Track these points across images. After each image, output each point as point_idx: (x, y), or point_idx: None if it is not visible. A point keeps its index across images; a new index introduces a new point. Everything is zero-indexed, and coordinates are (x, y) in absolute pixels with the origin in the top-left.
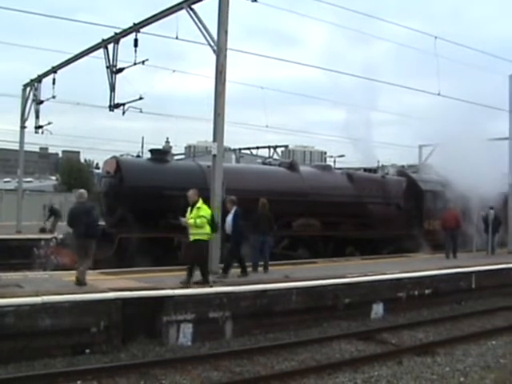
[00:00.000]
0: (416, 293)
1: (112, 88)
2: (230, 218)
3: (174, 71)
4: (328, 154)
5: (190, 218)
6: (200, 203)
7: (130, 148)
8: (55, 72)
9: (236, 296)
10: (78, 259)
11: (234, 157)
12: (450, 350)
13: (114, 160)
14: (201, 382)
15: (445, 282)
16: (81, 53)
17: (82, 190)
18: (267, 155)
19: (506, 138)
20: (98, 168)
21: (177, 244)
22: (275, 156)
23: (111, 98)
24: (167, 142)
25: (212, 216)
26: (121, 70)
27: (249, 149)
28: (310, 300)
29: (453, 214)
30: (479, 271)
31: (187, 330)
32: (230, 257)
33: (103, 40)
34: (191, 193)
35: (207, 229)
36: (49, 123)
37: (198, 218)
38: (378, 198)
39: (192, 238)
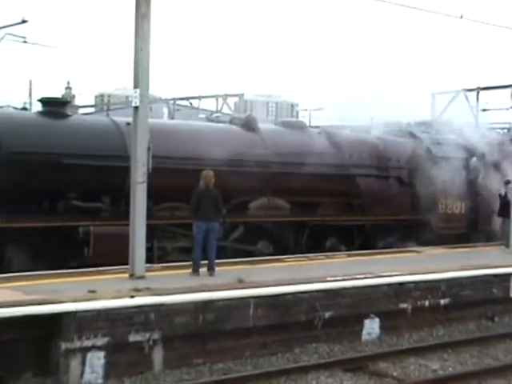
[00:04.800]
0: (426, 303)
1: None
2: None
3: None
4: (300, 106)
5: None
6: None
7: (12, 97)
8: None
9: (168, 309)
10: None
11: (166, 110)
12: None
13: None
14: None
15: (470, 289)
16: None
17: None
18: (214, 108)
19: None
20: None
21: (83, 235)
22: (225, 109)
23: None
24: (68, 88)
25: None
26: None
27: (187, 99)
28: (275, 314)
29: None
30: None
31: (97, 361)
32: None
33: None
34: None
35: None
36: None
37: None
38: (371, 169)
39: None
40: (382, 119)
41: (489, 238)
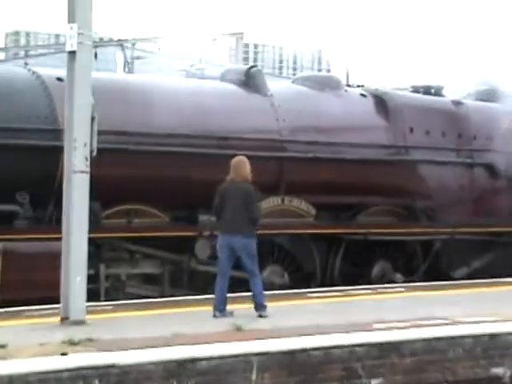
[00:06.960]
0: None
1: None
2: None
3: None
4: (331, 57)
5: None
6: None
7: None
8: None
9: (123, 373)
10: None
11: (121, 58)
12: None
13: None
14: None
15: None
16: None
17: None
18: (197, 57)
19: None
20: None
21: None
22: (215, 59)
23: None
24: None
25: None
26: None
27: (154, 41)
28: (293, 381)
29: None
30: None
31: None
32: None
33: None
34: None
35: None
36: None
37: None
38: (446, 152)
39: None
40: (462, 77)
41: None
